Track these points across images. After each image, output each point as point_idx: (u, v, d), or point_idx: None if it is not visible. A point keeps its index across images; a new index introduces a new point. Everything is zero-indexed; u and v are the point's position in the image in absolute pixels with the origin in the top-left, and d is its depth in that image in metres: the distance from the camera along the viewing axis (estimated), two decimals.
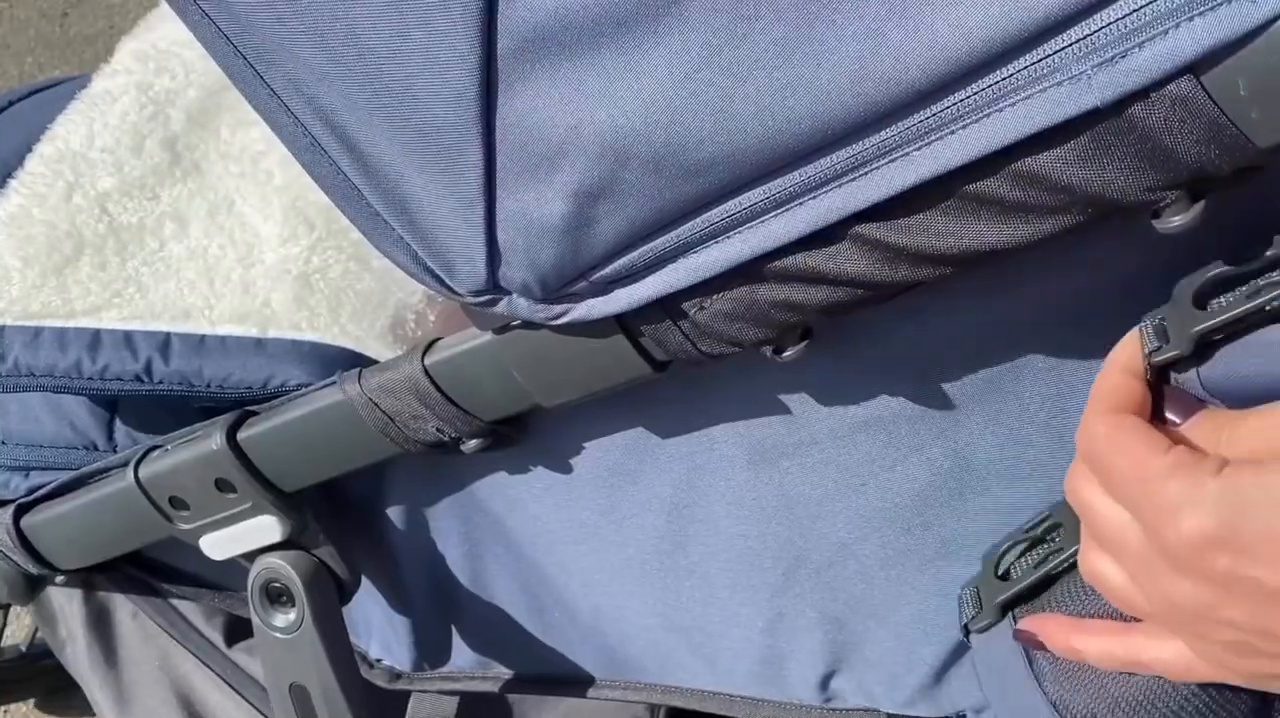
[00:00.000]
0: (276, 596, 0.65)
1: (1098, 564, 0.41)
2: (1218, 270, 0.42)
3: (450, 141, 0.41)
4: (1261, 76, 0.33)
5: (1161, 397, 0.40)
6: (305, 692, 0.66)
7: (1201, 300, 0.41)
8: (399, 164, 0.42)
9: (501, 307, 0.46)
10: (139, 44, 0.79)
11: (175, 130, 0.72)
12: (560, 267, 0.43)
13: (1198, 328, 0.40)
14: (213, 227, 0.66)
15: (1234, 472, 0.34)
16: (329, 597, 0.65)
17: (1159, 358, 0.41)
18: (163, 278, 0.64)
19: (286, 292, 0.61)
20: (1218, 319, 0.40)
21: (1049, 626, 0.46)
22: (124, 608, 0.85)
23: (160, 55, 0.76)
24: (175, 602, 0.83)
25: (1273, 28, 0.33)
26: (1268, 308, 0.39)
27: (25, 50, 2.09)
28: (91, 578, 0.80)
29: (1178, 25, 0.33)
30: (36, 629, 1.24)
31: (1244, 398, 0.39)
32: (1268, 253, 0.41)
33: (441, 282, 0.46)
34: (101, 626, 0.85)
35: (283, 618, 0.65)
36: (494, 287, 0.45)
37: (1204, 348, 0.41)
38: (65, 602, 0.84)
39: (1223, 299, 0.41)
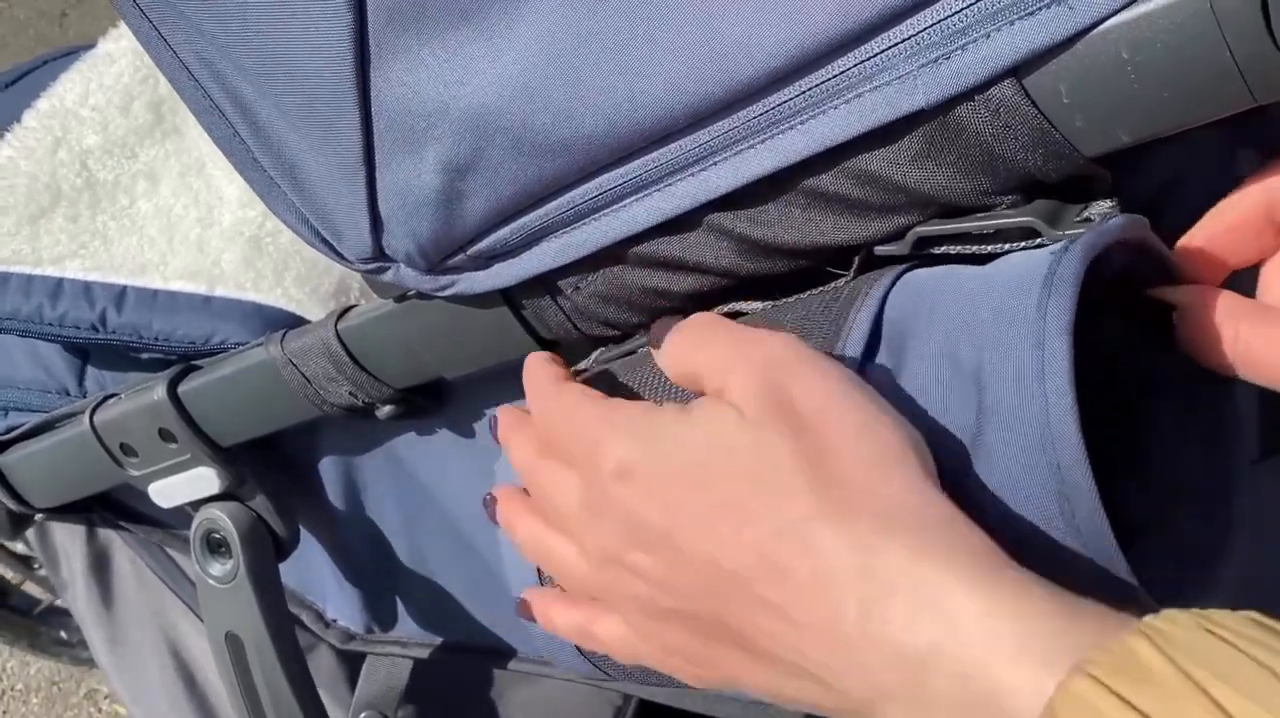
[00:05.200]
0: (216, 546, 0.67)
1: (549, 542, 0.42)
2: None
3: (329, 110, 0.42)
4: (1081, 83, 0.33)
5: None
6: (240, 641, 0.68)
7: None
8: (286, 131, 0.44)
9: (389, 276, 0.47)
10: None
11: (163, 93, 0.74)
12: (437, 239, 0.44)
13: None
14: (181, 186, 0.68)
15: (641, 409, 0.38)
16: (264, 551, 0.66)
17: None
18: (127, 233, 0.66)
19: (237, 253, 0.63)
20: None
21: (538, 601, 0.45)
22: (123, 553, 0.88)
23: None
24: (170, 552, 0.86)
25: (1090, 34, 0.32)
26: None
27: (25, 50, 2.14)
28: (92, 518, 0.84)
29: (999, 28, 0.33)
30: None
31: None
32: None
33: (332, 248, 0.47)
34: (100, 569, 0.89)
35: (219, 568, 0.67)
36: (380, 255, 0.46)
37: None
38: (68, 542, 0.88)
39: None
